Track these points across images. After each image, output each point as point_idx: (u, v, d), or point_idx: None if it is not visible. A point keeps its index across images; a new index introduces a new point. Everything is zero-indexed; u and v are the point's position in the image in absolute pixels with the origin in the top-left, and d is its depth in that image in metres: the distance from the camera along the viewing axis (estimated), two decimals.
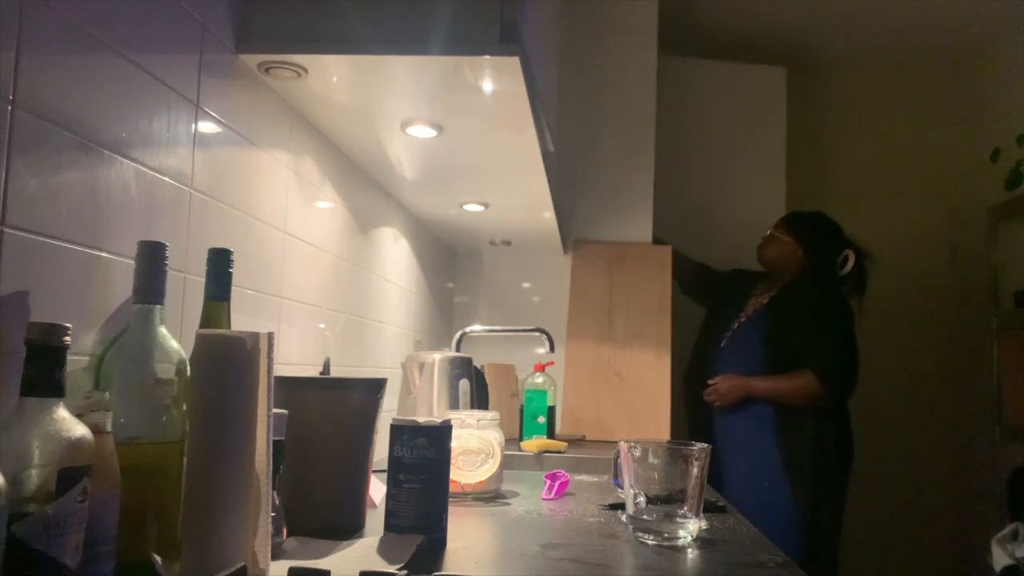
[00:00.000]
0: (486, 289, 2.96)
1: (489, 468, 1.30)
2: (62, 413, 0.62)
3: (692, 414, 2.67)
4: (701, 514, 1.00)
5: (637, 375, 2.68)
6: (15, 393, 0.62)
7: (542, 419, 2.40)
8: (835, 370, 2.33)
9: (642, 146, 2.90)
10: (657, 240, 2.86)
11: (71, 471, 0.60)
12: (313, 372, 1.54)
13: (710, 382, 2.49)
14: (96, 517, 0.65)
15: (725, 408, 2.47)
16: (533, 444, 2.17)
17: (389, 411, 1.22)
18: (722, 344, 2.53)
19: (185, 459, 0.78)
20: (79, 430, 0.62)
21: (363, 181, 1.83)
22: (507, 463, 2.13)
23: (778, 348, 2.39)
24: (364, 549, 0.88)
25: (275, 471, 0.85)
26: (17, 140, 0.74)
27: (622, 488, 1.06)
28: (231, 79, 1.18)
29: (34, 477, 0.59)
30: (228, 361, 0.76)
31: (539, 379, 2.47)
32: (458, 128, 1.50)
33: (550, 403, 2.44)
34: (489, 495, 1.29)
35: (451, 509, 0.96)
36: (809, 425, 2.37)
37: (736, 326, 2.54)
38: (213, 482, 0.75)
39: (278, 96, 1.35)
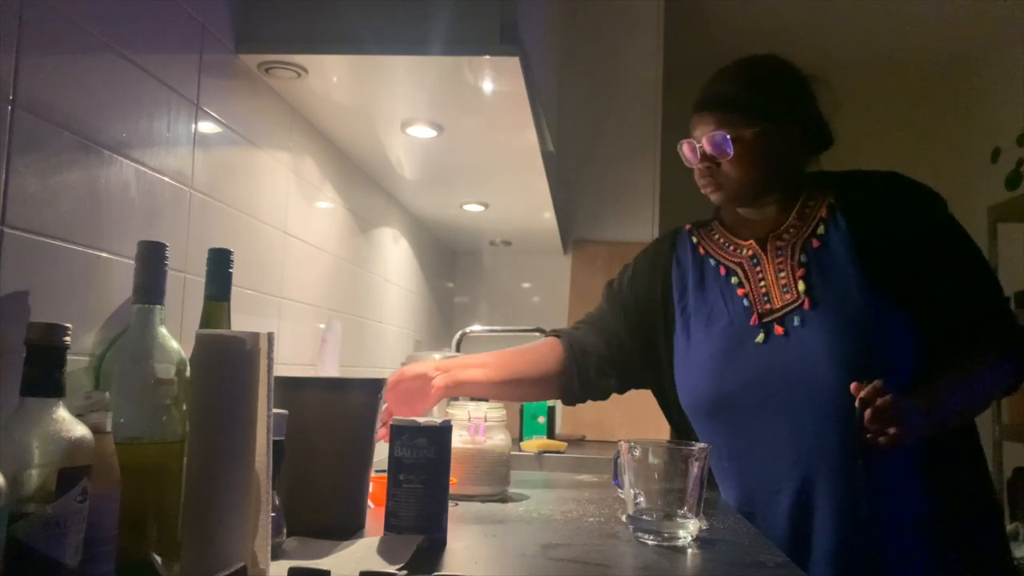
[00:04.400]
0: (486, 289, 2.96)
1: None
2: (62, 413, 0.62)
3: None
4: (701, 514, 1.00)
5: None
6: (15, 393, 0.62)
7: (542, 419, 2.40)
8: (1015, 329, 1.26)
9: (644, 146, 2.90)
10: None
11: (71, 471, 0.60)
12: (313, 372, 1.54)
13: (860, 400, 1.13)
14: (96, 517, 0.65)
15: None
16: (533, 444, 2.17)
17: None
18: (759, 340, 1.27)
19: (185, 459, 0.78)
20: (79, 430, 0.62)
21: (363, 181, 1.83)
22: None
23: (921, 301, 1.24)
24: (364, 549, 0.88)
25: (275, 471, 0.85)
26: (17, 140, 0.74)
27: (622, 488, 1.06)
28: (231, 79, 1.18)
29: (34, 477, 0.59)
30: (228, 361, 0.76)
31: None
32: (458, 128, 1.50)
33: (550, 403, 2.44)
34: (495, 497, 1.29)
35: (451, 509, 0.96)
36: (961, 440, 1.28)
37: (770, 297, 1.30)
38: (213, 482, 0.75)
39: (278, 96, 1.35)
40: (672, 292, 1.44)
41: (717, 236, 1.43)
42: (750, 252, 1.36)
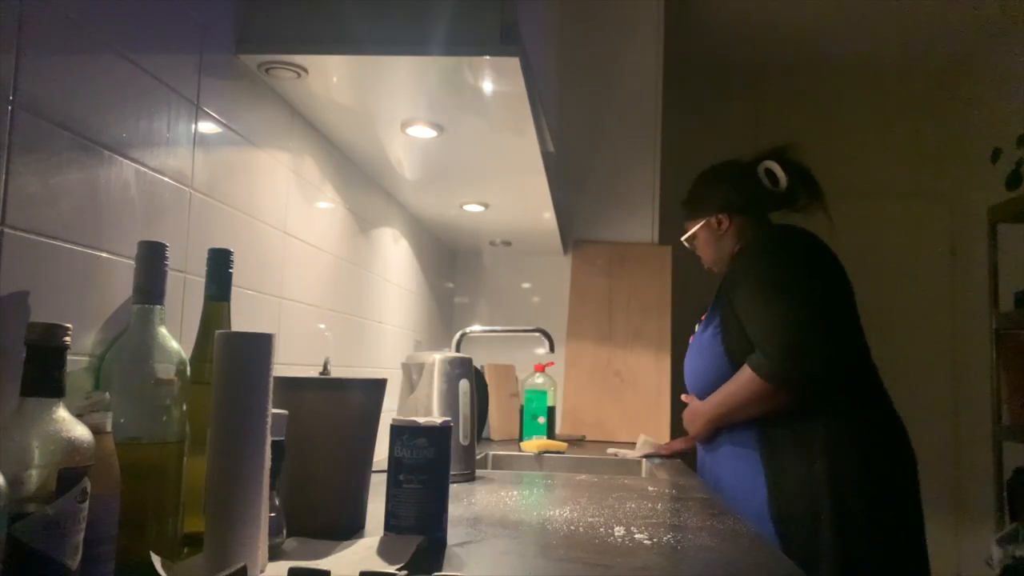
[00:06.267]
0: (486, 289, 2.96)
1: None
2: (62, 413, 0.62)
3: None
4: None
5: (637, 375, 2.68)
6: (15, 393, 0.62)
7: (542, 419, 2.40)
8: (772, 349, 1.62)
9: (644, 146, 2.90)
10: (666, 242, 2.85)
11: (71, 471, 0.60)
12: (313, 372, 1.54)
13: (683, 417, 1.92)
14: (96, 517, 0.65)
15: (709, 447, 1.86)
16: (533, 444, 2.17)
17: (389, 411, 1.23)
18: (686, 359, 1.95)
19: (208, 455, 0.77)
20: (79, 430, 0.62)
21: (363, 181, 1.83)
22: (507, 463, 2.14)
23: (737, 347, 1.73)
24: (364, 549, 0.88)
25: (275, 471, 0.85)
26: (17, 140, 0.74)
27: None
28: (231, 79, 1.18)
29: (34, 477, 0.59)
30: (252, 359, 0.77)
31: (539, 379, 2.47)
32: (458, 128, 1.50)
33: (550, 403, 2.44)
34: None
35: (452, 509, 0.96)
36: (789, 446, 1.66)
37: (692, 337, 1.94)
38: (237, 475, 0.76)
39: (278, 96, 1.35)
40: None
41: None
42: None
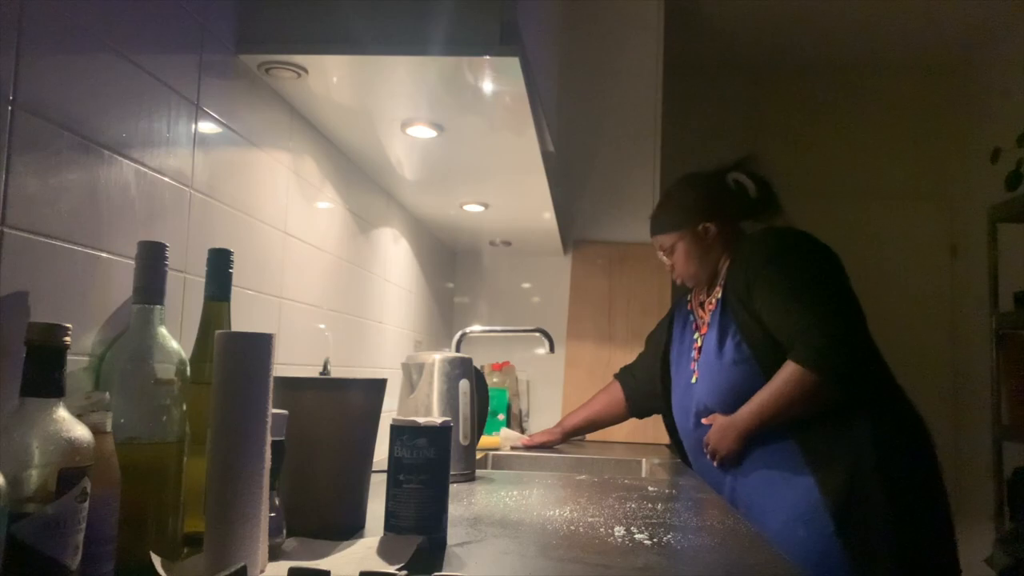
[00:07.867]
0: (486, 289, 2.96)
1: None
2: (62, 413, 0.62)
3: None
4: None
5: None
6: (15, 393, 0.62)
7: (501, 416, 2.45)
8: (818, 340, 1.57)
9: (644, 146, 2.90)
10: None
11: (71, 471, 0.60)
12: (313, 372, 1.54)
13: (706, 439, 1.75)
14: (96, 517, 0.65)
15: (738, 469, 1.72)
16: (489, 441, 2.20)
17: (389, 411, 1.22)
18: (693, 381, 1.80)
19: (208, 455, 0.77)
20: (79, 430, 0.62)
21: (363, 181, 1.83)
22: (507, 463, 2.14)
23: (764, 347, 1.66)
24: (364, 549, 0.88)
25: (275, 471, 0.85)
26: (17, 140, 0.74)
27: None
28: (231, 79, 1.18)
29: (34, 477, 0.59)
30: (252, 359, 0.77)
31: (495, 379, 2.51)
32: (458, 128, 1.50)
33: (509, 401, 2.51)
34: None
35: (451, 509, 0.96)
36: (836, 449, 1.60)
37: (695, 353, 1.83)
38: (238, 474, 0.75)
39: (278, 96, 1.35)
40: (672, 333, 1.98)
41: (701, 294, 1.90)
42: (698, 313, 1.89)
